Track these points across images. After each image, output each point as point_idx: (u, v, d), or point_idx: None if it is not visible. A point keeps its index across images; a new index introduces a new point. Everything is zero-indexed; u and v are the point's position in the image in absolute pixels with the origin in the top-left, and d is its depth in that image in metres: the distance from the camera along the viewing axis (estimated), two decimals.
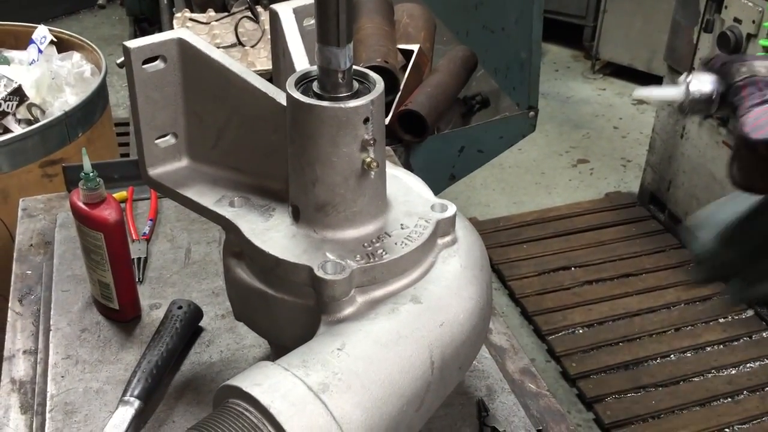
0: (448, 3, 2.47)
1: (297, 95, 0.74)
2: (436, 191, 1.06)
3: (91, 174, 0.98)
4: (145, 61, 0.80)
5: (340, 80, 0.74)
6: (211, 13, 2.05)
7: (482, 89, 2.10)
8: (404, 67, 1.87)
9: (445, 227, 0.81)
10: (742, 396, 2.26)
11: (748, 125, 0.78)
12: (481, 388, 0.97)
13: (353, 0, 1.49)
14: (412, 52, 1.91)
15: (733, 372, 2.34)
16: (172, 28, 2.05)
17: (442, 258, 0.80)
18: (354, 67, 0.76)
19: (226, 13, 2.05)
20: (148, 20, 2.92)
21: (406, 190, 0.85)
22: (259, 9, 2.03)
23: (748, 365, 2.37)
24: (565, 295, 2.65)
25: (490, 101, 2.04)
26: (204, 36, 1.96)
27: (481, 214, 3.11)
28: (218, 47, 1.91)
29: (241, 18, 1.96)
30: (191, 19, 2.01)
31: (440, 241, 0.81)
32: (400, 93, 1.80)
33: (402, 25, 2.05)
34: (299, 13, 0.90)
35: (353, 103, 0.73)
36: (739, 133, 0.79)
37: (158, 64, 0.81)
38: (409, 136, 1.78)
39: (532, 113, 2.08)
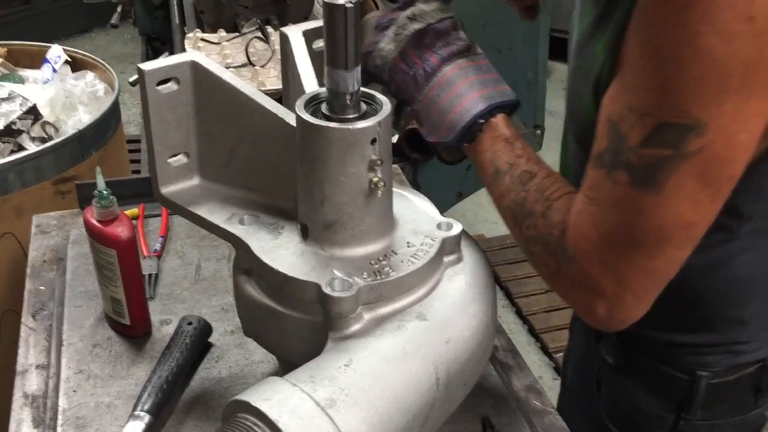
0: None
1: (306, 117, 0.76)
2: (444, 209, 1.08)
3: (105, 192, 1.00)
4: (159, 83, 0.83)
5: (348, 102, 0.76)
6: (222, 33, 2.08)
7: None
8: None
9: (450, 245, 0.83)
10: None
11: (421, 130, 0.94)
12: (487, 405, 0.98)
13: (362, 23, 1.52)
14: None
15: None
16: (183, 47, 2.08)
17: (447, 276, 0.82)
18: (362, 89, 0.78)
19: (236, 34, 2.08)
20: (160, 39, 2.95)
21: (413, 209, 0.87)
22: (270, 29, 2.06)
23: None
24: (573, 313, 2.65)
25: None
26: (215, 56, 1.99)
27: (488, 231, 3.12)
28: (229, 67, 1.94)
29: (252, 38, 1.99)
30: (202, 39, 2.05)
31: (446, 259, 0.83)
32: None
33: None
34: (309, 36, 0.92)
35: (361, 125, 0.75)
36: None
37: (171, 86, 0.83)
38: (416, 155, 1.80)
39: (538, 131, 2.10)
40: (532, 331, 2.66)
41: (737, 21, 0.63)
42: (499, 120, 0.89)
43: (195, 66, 0.83)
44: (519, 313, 2.75)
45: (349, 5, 0.70)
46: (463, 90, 0.89)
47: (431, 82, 0.91)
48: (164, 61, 0.83)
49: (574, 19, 0.92)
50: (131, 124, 3.80)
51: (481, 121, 0.88)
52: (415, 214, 0.86)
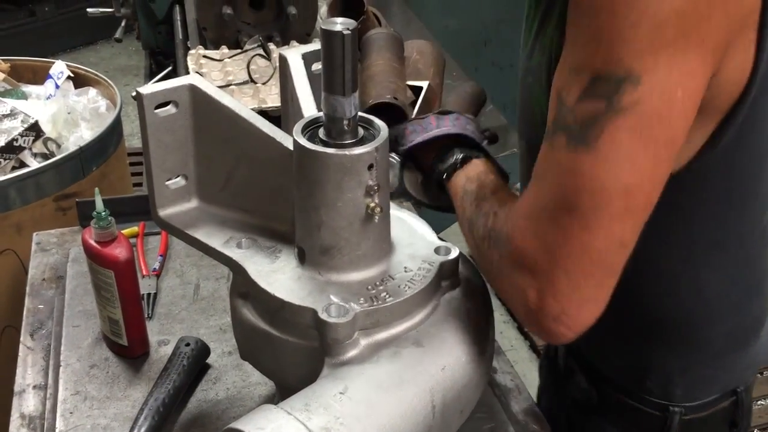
0: (457, 40, 2.51)
1: (303, 142, 0.76)
2: (444, 226, 1.08)
3: (103, 213, 1.00)
4: (158, 106, 0.83)
5: (346, 128, 0.76)
6: (224, 50, 2.08)
7: (491, 125, 2.11)
8: (413, 103, 1.89)
9: (448, 270, 0.82)
10: None
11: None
12: (485, 429, 0.98)
13: (363, 40, 1.52)
14: (421, 88, 1.93)
15: None
16: (186, 64, 2.09)
17: (445, 301, 0.81)
18: (359, 113, 0.78)
19: (238, 50, 2.08)
20: (164, 53, 2.96)
21: (411, 233, 0.87)
22: (272, 46, 2.06)
23: None
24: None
25: (498, 137, 2.05)
26: (217, 73, 1.99)
27: None
28: (231, 84, 1.95)
29: (254, 55, 2.00)
30: (205, 56, 2.05)
31: (443, 284, 0.82)
32: None
33: (412, 62, 2.08)
34: (308, 59, 0.92)
35: (358, 150, 0.75)
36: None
37: (170, 109, 0.83)
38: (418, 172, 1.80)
39: None
40: (534, 347, 2.64)
41: None
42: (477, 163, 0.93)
43: (193, 89, 0.84)
44: (520, 329, 2.74)
45: (346, 32, 0.70)
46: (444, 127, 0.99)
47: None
48: (163, 84, 0.83)
49: (521, 39, 0.92)
50: (134, 137, 3.80)
51: (459, 156, 0.94)
52: (413, 238, 0.85)
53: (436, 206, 1.01)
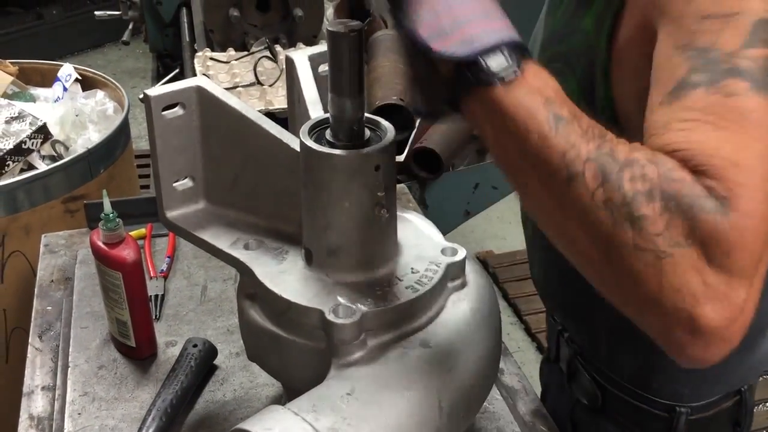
0: None
1: (310, 143, 0.76)
2: (451, 227, 1.05)
3: (111, 215, 1.00)
4: (165, 108, 0.83)
5: (352, 129, 0.76)
6: (231, 52, 2.09)
7: None
8: None
9: (455, 271, 0.82)
10: None
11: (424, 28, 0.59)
12: (492, 430, 0.98)
13: (369, 42, 1.52)
14: None
15: None
16: (193, 66, 2.10)
17: (451, 302, 0.81)
18: (366, 115, 0.78)
19: (245, 53, 2.09)
20: (171, 56, 2.98)
21: (417, 234, 0.87)
22: (278, 48, 2.07)
23: None
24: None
25: None
26: (223, 74, 2.00)
27: (497, 248, 3.11)
28: (238, 86, 1.96)
29: (261, 57, 2.01)
30: (212, 58, 2.06)
31: (450, 285, 0.82)
32: (415, 130, 1.83)
33: None
34: (314, 60, 0.93)
35: (365, 152, 0.75)
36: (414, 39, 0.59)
37: (177, 111, 0.84)
38: (424, 173, 1.81)
39: None
40: (541, 349, 2.64)
41: None
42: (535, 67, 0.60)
43: (200, 91, 0.84)
44: (528, 330, 2.73)
45: (353, 34, 0.71)
46: (491, 10, 0.61)
47: None
48: (170, 86, 0.83)
49: (540, 22, 0.87)
50: (142, 139, 3.82)
51: (512, 60, 0.58)
52: (420, 239, 0.85)
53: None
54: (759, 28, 0.57)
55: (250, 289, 0.84)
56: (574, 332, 1.02)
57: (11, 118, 1.72)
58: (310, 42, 2.15)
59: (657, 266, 0.52)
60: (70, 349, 1.10)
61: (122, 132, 1.84)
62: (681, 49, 0.59)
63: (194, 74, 2.09)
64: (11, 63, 2.03)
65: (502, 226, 3.29)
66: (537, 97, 0.57)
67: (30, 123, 1.71)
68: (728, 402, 0.94)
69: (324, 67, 0.92)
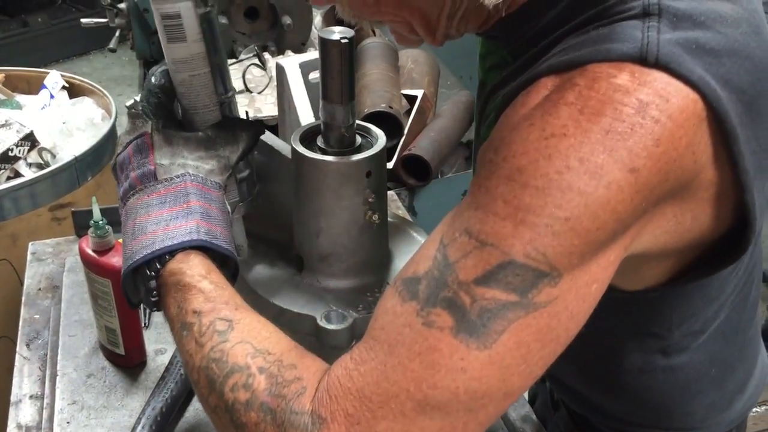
0: (451, 49, 2.52)
1: (301, 150, 0.77)
2: None
3: (101, 222, 1.00)
4: None
5: (343, 135, 0.76)
6: None
7: None
8: (408, 112, 1.91)
9: None
10: None
11: None
12: None
13: (357, 50, 1.52)
14: (416, 97, 1.94)
15: None
16: None
17: None
18: (357, 122, 0.79)
19: (234, 60, 2.09)
20: (158, 63, 2.97)
21: (409, 241, 0.87)
22: (267, 56, 2.07)
23: None
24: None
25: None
26: None
27: None
28: None
29: (249, 65, 2.01)
30: None
31: None
32: (404, 138, 1.83)
33: (407, 71, 2.09)
34: (305, 67, 0.93)
35: (356, 158, 0.75)
36: None
37: None
38: (413, 180, 1.81)
39: None
40: None
41: (617, 169, 0.53)
42: (179, 262, 0.69)
43: None
44: None
45: (344, 41, 0.71)
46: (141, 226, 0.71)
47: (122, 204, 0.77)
48: None
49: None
50: None
51: (150, 272, 0.70)
52: (411, 246, 0.86)
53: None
54: (504, 269, 0.54)
55: (242, 295, 0.83)
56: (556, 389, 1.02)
57: None
58: (299, 50, 2.16)
59: None
60: (59, 358, 1.09)
61: (109, 139, 1.83)
62: (438, 243, 0.57)
63: None
64: None
65: None
66: (171, 310, 0.69)
67: (17, 130, 1.70)
68: None
69: (315, 74, 0.93)
